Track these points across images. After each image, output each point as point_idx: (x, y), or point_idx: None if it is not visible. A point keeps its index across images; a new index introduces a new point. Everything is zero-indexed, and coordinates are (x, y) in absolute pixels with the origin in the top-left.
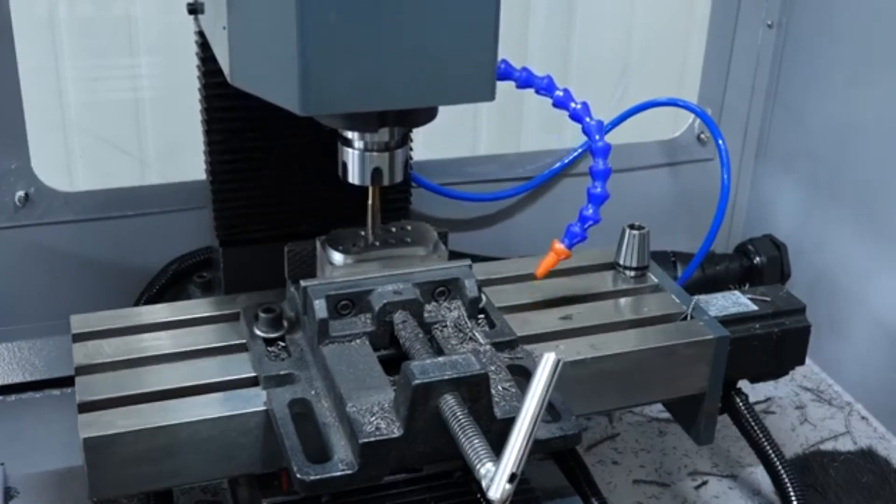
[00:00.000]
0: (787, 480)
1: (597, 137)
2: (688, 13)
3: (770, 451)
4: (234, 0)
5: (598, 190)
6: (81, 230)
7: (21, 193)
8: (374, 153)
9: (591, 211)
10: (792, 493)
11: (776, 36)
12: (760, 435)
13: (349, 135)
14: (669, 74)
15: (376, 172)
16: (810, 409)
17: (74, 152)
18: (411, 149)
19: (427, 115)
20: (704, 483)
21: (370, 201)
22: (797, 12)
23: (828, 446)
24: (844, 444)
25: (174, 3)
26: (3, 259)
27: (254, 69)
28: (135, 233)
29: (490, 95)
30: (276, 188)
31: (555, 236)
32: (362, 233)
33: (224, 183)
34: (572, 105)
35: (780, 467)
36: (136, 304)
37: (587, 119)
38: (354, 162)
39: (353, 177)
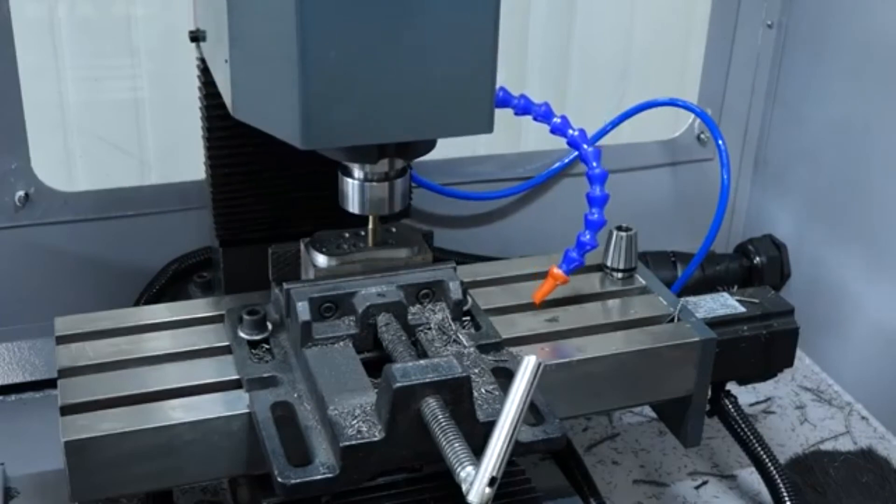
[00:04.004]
0: (778, 479)
1: (594, 165)
2: (688, 13)
3: (760, 452)
4: (236, 34)
5: (595, 217)
6: (81, 230)
7: (21, 193)
8: (374, 183)
9: (588, 237)
10: (784, 492)
11: (776, 36)
12: (750, 436)
13: (349, 165)
14: (669, 75)
15: (375, 202)
16: (810, 409)
17: (74, 152)
18: (412, 167)
19: (426, 146)
20: (704, 483)
21: (370, 226)
22: (797, 12)
23: (828, 446)
24: (844, 444)
25: (174, 3)
26: (3, 259)
27: (255, 103)
28: (135, 233)
29: (488, 128)
30: (276, 188)
31: (554, 236)
32: (346, 234)
33: (224, 183)
34: (570, 132)
35: (770, 467)
36: (137, 304)
37: (584, 146)
38: (354, 191)
39: (353, 206)
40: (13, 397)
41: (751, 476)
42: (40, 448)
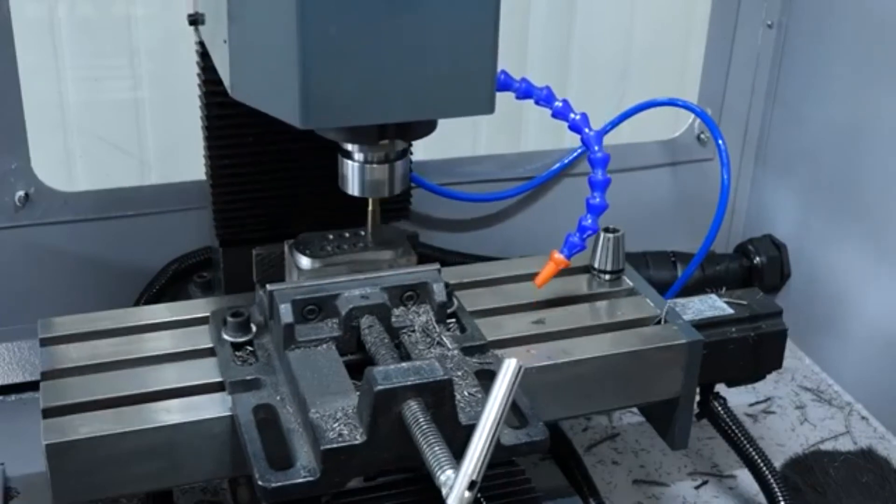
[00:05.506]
0: (770, 479)
1: (595, 148)
2: (688, 13)
3: (752, 452)
4: (234, 14)
5: (597, 200)
6: (81, 230)
7: (21, 193)
8: (375, 165)
9: (589, 221)
10: (777, 492)
11: (776, 36)
12: (741, 436)
13: (349, 147)
14: (669, 75)
15: (376, 185)
16: (810, 409)
17: (74, 152)
18: (412, 152)
19: (426, 127)
20: (704, 483)
21: (370, 208)
22: (797, 12)
23: (828, 446)
24: (844, 444)
25: (174, 4)
26: (3, 259)
27: (254, 82)
28: (135, 233)
29: (489, 109)
30: (276, 188)
31: (555, 236)
32: (331, 236)
33: (224, 183)
34: (571, 116)
35: (762, 466)
36: (137, 304)
37: (586, 130)
38: (354, 174)
39: (353, 188)
40: (13, 397)
41: (750, 476)
42: (40, 448)
